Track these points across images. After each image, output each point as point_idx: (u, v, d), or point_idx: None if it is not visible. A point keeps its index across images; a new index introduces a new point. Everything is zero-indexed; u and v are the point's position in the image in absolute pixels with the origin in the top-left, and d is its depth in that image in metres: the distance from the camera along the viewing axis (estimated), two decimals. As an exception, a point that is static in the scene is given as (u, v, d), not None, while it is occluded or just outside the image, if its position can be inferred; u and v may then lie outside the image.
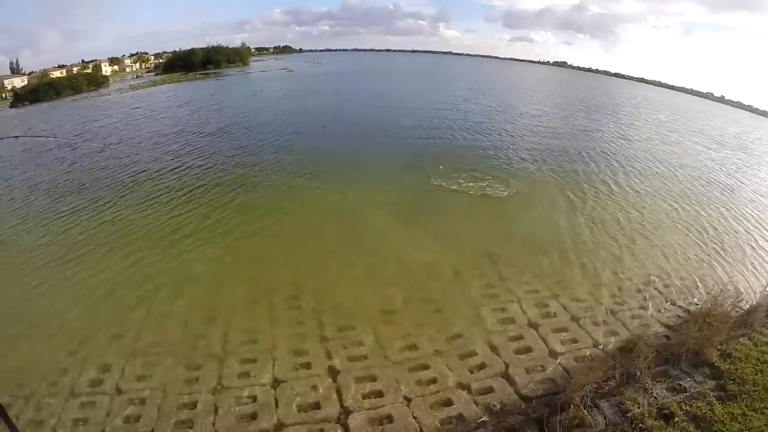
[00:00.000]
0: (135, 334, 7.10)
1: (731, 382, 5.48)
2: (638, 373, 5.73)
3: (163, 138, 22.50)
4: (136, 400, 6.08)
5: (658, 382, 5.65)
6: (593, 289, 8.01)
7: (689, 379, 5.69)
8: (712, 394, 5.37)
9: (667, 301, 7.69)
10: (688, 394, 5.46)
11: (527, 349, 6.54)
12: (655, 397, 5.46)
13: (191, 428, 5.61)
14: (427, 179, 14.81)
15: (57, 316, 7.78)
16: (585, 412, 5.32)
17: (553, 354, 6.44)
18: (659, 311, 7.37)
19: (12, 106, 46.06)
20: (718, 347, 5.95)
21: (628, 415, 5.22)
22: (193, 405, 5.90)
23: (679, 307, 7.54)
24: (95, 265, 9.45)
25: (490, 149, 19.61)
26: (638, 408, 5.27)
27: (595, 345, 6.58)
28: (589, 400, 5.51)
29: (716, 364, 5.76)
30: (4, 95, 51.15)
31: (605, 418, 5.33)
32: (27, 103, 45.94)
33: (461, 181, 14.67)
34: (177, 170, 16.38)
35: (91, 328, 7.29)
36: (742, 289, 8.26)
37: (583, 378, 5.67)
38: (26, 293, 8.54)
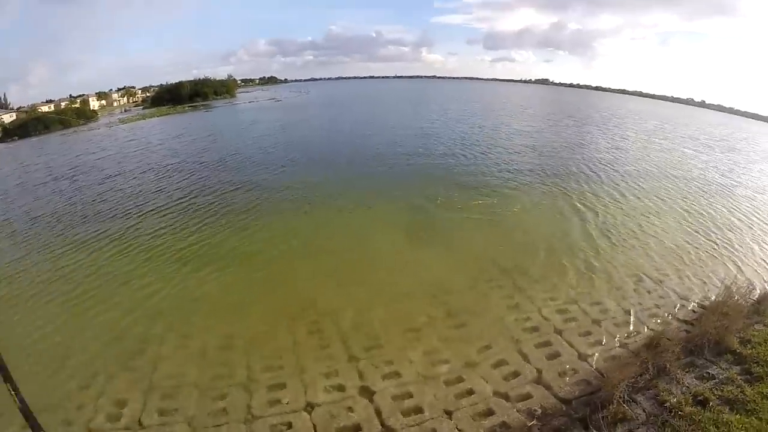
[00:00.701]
0: (151, 366, 6.99)
1: (755, 364, 5.85)
2: (668, 366, 6.05)
3: (164, 169, 22.81)
4: None
5: (687, 372, 5.97)
6: (609, 292, 8.47)
7: (715, 366, 6.04)
8: (739, 377, 5.72)
9: (681, 298, 8.20)
10: (717, 380, 5.78)
11: (556, 354, 6.80)
12: (687, 387, 5.75)
13: None
14: (432, 199, 15.38)
15: (68, 352, 7.63)
16: (625, 407, 5.55)
17: (582, 356, 6.72)
18: (675, 307, 7.84)
19: (1, 141, 46.43)
20: (737, 335, 6.38)
21: (666, 405, 5.46)
22: None
23: (693, 302, 8.04)
24: (106, 298, 9.39)
25: (492, 167, 20.65)
26: (674, 398, 5.54)
27: (620, 344, 6.91)
28: (626, 395, 5.76)
29: (738, 351, 6.15)
30: None
31: (644, 411, 5.55)
32: (16, 138, 46.58)
33: (466, 198, 15.36)
34: (183, 200, 16.64)
35: (104, 362, 7.15)
36: (751, 281, 8.88)
37: (619, 375, 5.97)
38: (36, 329, 8.34)
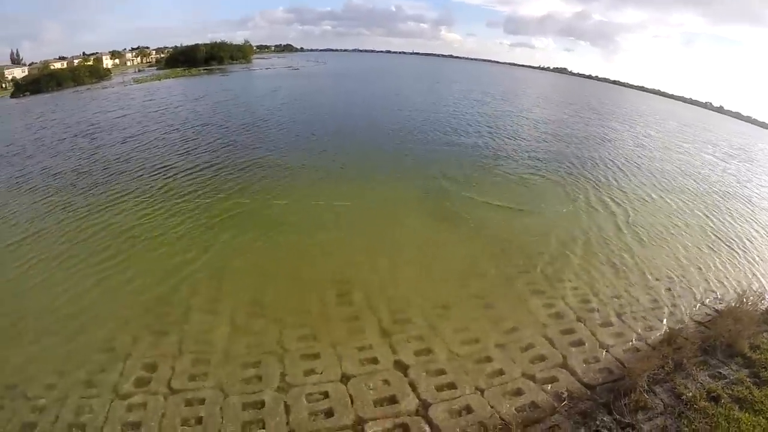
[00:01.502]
0: (179, 330, 7.01)
1: (763, 369, 6.55)
2: (684, 362, 6.67)
3: (189, 131, 22.48)
4: (195, 400, 6.04)
5: (701, 370, 6.61)
6: (630, 287, 9.05)
7: (726, 367, 6.72)
8: (748, 380, 6.41)
9: (697, 299, 8.87)
10: (728, 380, 6.46)
11: (580, 342, 7.32)
12: (701, 383, 6.40)
13: (263, 428, 5.65)
14: (462, 182, 15.63)
15: (94, 314, 7.61)
16: (646, 396, 6.14)
17: (604, 346, 7.27)
18: (692, 308, 8.51)
19: (13, 96, 47.69)
20: (748, 340, 7.05)
21: (682, 398, 6.10)
22: (260, 404, 5.98)
23: (709, 304, 8.72)
24: (134, 262, 9.38)
25: (521, 153, 20.99)
26: (689, 392, 6.17)
27: (639, 338, 7.50)
28: (646, 385, 6.35)
29: (748, 355, 6.85)
30: (4, 85, 52.81)
31: (662, 401, 6.17)
32: (28, 93, 47.46)
33: (496, 183, 15.77)
34: (212, 164, 16.39)
35: (131, 326, 7.18)
36: (764, 290, 9.57)
37: (641, 366, 6.54)
38: (63, 292, 8.30)
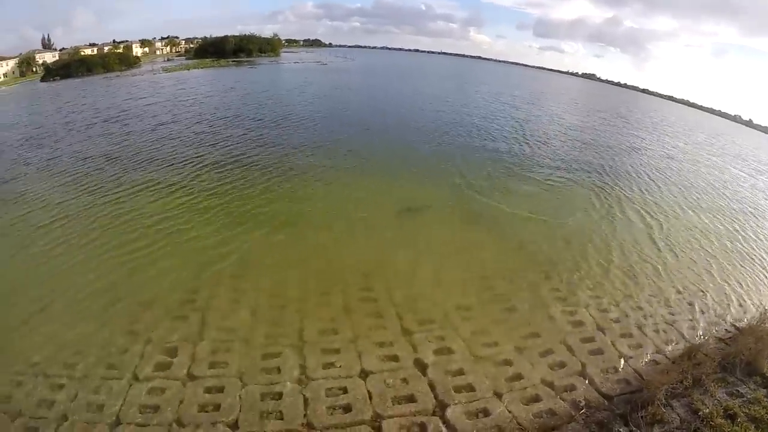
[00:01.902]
0: (201, 318, 7.12)
1: (781, 390, 6.66)
2: (703, 378, 6.76)
3: (220, 122, 22.78)
4: (213, 388, 6.19)
5: (719, 387, 6.70)
6: (652, 299, 9.09)
7: (745, 386, 6.81)
8: (765, 399, 6.48)
9: (719, 316, 8.91)
10: (745, 399, 6.56)
11: (599, 351, 7.40)
12: (719, 400, 6.50)
13: (281, 419, 5.77)
14: (488, 185, 15.75)
15: (118, 298, 7.80)
16: (663, 410, 6.26)
17: (623, 356, 7.35)
18: (713, 324, 8.54)
19: (43, 80, 49.61)
20: (768, 360, 7.13)
21: (699, 414, 6.21)
22: (278, 395, 6.11)
23: (730, 321, 8.76)
24: (162, 249, 9.67)
25: (554, 159, 21.07)
26: (706, 408, 6.27)
27: (658, 351, 7.58)
28: (663, 399, 6.47)
29: (767, 375, 6.93)
30: (34, 69, 55.05)
31: (679, 416, 6.28)
32: (58, 78, 49.41)
33: (526, 188, 15.90)
34: (243, 158, 16.56)
35: (154, 311, 7.31)
36: None
37: (660, 379, 6.63)
38: (89, 275, 8.58)
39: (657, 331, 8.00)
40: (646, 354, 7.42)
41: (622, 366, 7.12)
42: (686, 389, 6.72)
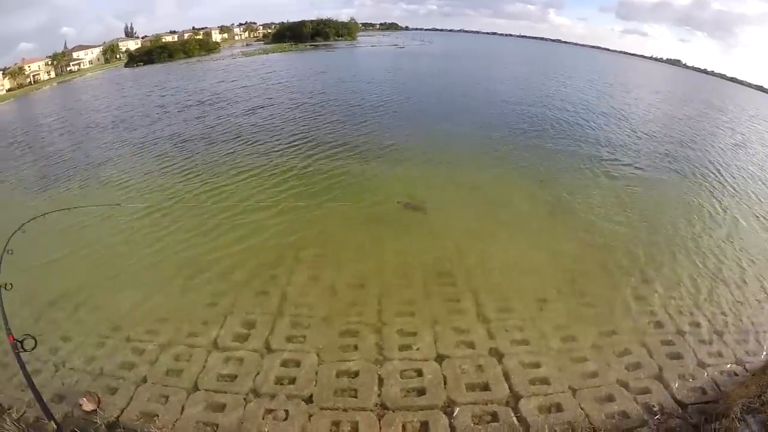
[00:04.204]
0: (280, 292, 7.54)
1: None
2: (782, 395, 7.02)
3: (317, 108, 23.44)
4: (290, 361, 6.66)
5: (800, 405, 7.01)
6: (736, 306, 9.04)
7: (828, 407, 7.11)
8: None
9: None
10: (826, 421, 6.90)
11: (678, 356, 7.56)
12: (796, 420, 6.86)
13: (355, 397, 6.20)
14: (575, 176, 15.72)
15: (201, 270, 8.57)
16: (737, 424, 6.63)
17: (701, 364, 7.50)
18: None
19: (126, 66, 58.15)
20: None
21: (774, 432, 6.62)
22: (354, 374, 6.54)
23: None
24: (248, 224, 10.56)
25: (644, 156, 19.87)
26: (782, 427, 6.66)
27: (738, 361, 7.70)
28: (739, 413, 6.82)
29: None
30: (118, 56, 63.85)
31: (752, 432, 6.72)
32: (141, 63, 56.72)
33: (613, 183, 15.60)
34: (346, 146, 17.06)
35: (237, 284, 7.99)
36: None
37: (738, 392, 6.86)
38: (180, 250, 9.63)
39: (739, 341, 8.05)
40: (726, 364, 7.55)
41: (699, 374, 7.35)
42: (762, 405, 7.03)
